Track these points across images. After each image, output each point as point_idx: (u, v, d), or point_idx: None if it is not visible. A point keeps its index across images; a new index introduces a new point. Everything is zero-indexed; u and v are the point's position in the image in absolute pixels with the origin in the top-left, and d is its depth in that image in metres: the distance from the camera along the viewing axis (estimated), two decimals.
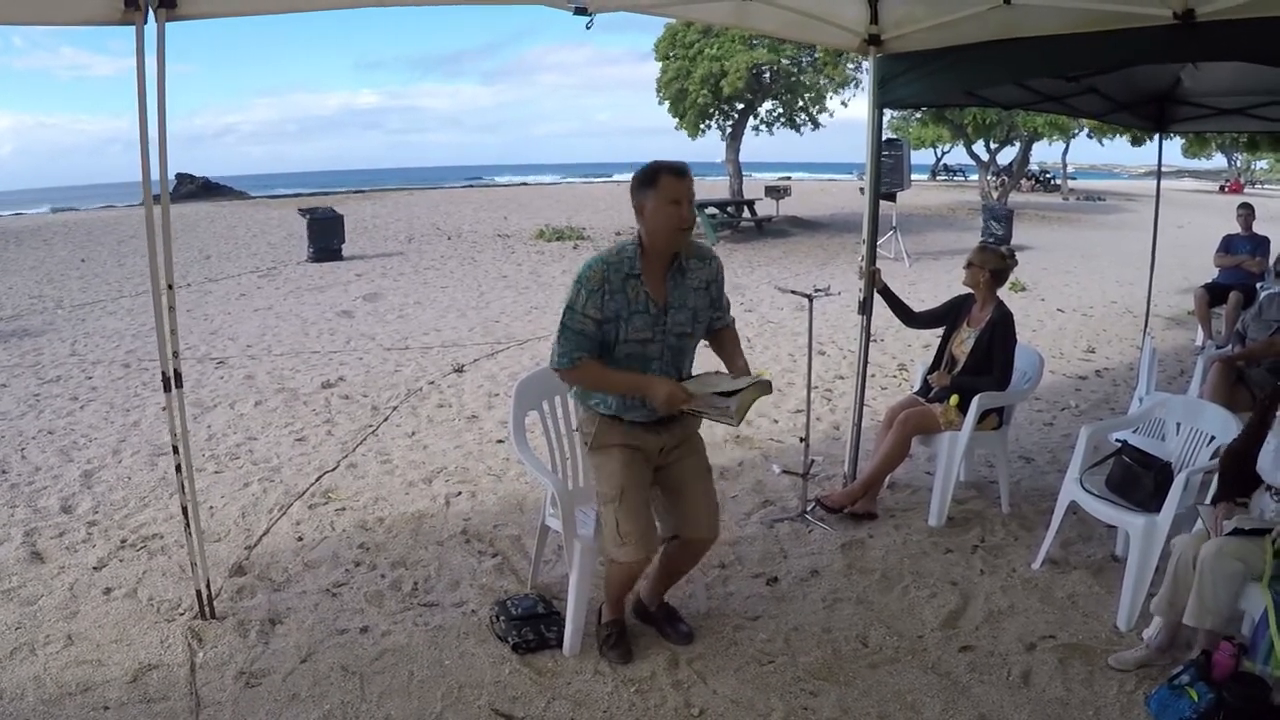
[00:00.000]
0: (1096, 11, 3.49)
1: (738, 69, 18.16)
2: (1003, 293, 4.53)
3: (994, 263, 4.44)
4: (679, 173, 2.77)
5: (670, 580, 3.34)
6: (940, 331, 4.66)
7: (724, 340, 3.10)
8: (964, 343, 4.45)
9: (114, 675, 3.04)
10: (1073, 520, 4.05)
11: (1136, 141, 15.46)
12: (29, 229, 21.36)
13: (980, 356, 4.35)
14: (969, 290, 4.52)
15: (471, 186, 44.67)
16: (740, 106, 20.21)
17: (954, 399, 4.33)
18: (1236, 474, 3.10)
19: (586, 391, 3.00)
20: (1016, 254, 15.44)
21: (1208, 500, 3.21)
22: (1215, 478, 3.34)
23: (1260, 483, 3.06)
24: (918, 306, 4.68)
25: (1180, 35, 3.31)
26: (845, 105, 20.47)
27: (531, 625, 3.27)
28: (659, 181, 2.74)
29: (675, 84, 19.44)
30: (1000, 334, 4.33)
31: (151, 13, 2.89)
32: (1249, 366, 4.97)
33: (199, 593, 3.39)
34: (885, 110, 4.96)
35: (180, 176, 36.12)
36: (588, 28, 3.67)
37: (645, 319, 2.84)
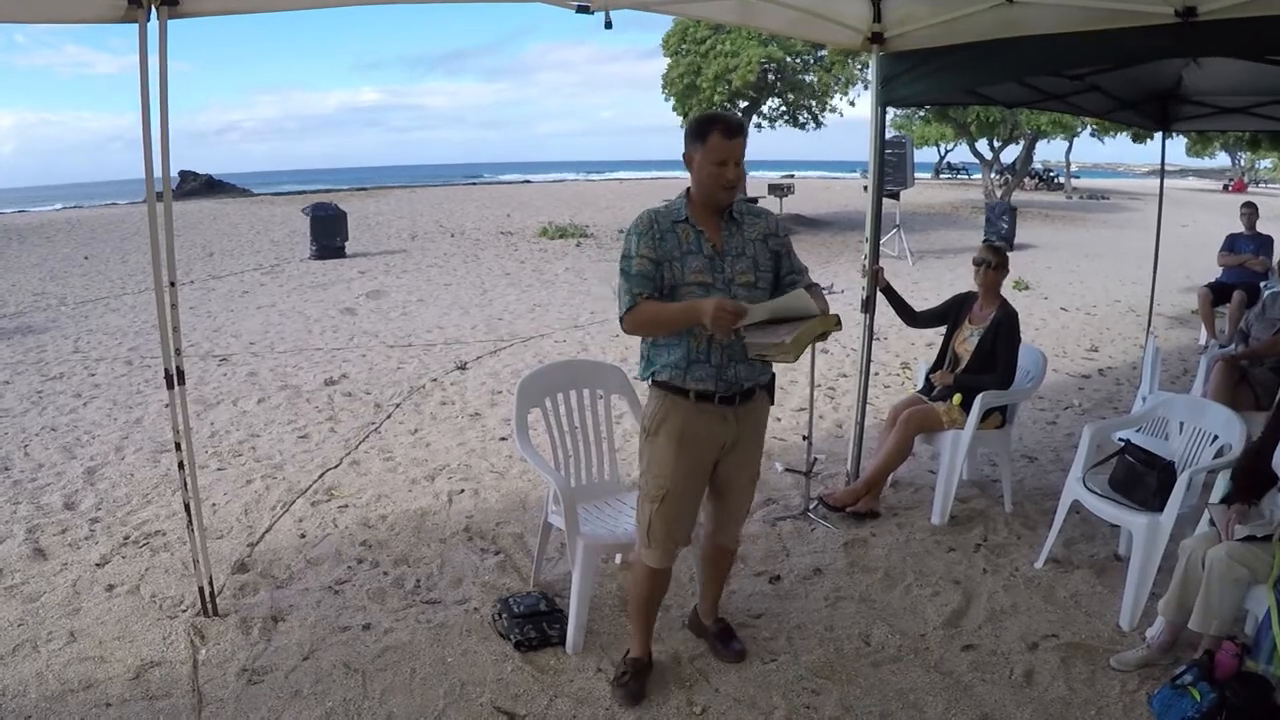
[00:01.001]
0: (1099, 9, 3.49)
1: (749, 62, 18.16)
2: (1006, 292, 4.53)
3: (1007, 260, 4.47)
4: (730, 132, 2.63)
5: (717, 587, 3.25)
6: (943, 330, 4.66)
7: (819, 302, 2.78)
8: (966, 340, 4.45)
9: (116, 672, 3.04)
10: (1075, 519, 4.05)
11: (1138, 139, 15.45)
12: (32, 226, 21.41)
13: (984, 354, 4.35)
14: (971, 288, 4.52)
15: (474, 184, 44.70)
16: (744, 104, 20.20)
17: (957, 398, 4.33)
18: (1252, 475, 3.09)
19: (649, 361, 2.80)
20: (1019, 252, 15.34)
21: (1216, 500, 3.20)
22: (1219, 477, 3.34)
23: (1274, 484, 3.05)
24: (920, 305, 4.68)
25: (1182, 33, 3.30)
26: (853, 104, 20.48)
27: (534, 623, 3.27)
28: (708, 139, 2.62)
29: (684, 80, 19.38)
30: (1005, 332, 4.33)
31: (154, 11, 2.89)
32: (1253, 365, 4.97)
33: (201, 590, 3.39)
34: (888, 108, 4.95)
35: (184, 174, 36.18)
36: (607, 26, 3.64)
37: (702, 260, 2.69)
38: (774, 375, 2.93)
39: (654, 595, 3.01)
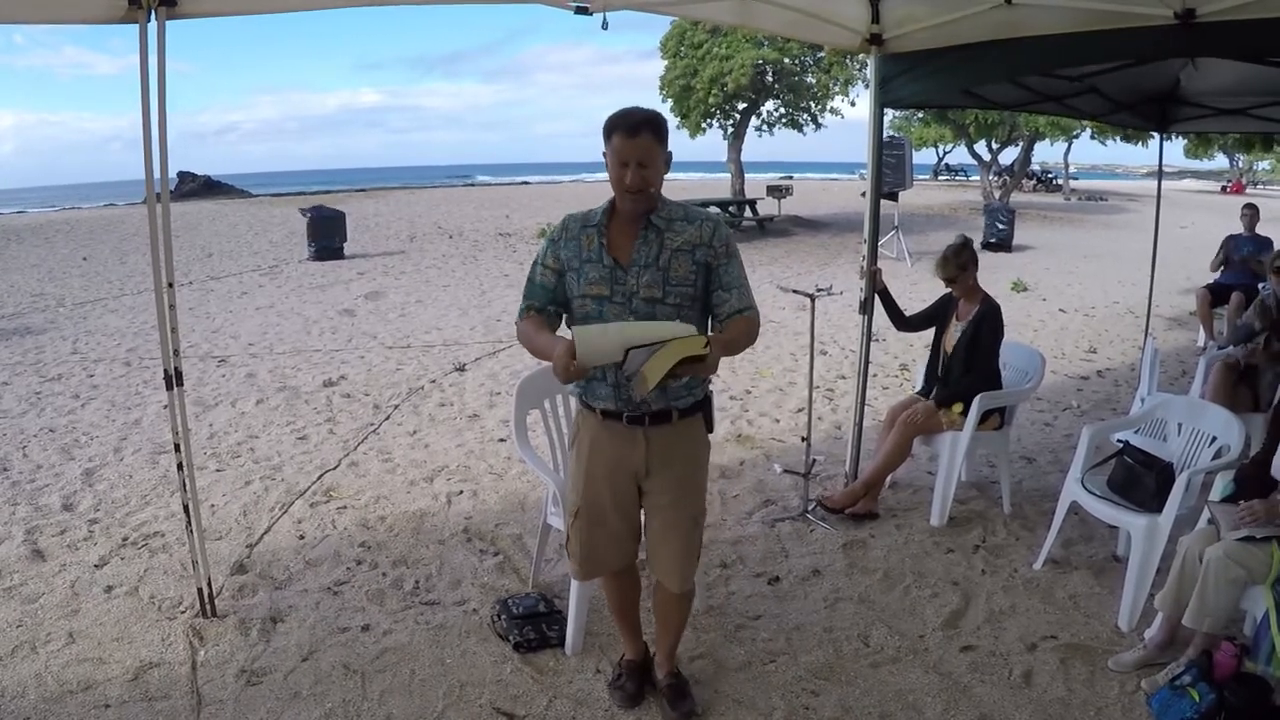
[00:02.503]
0: (1097, 11, 3.49)
1: (742, 65, 18.20)
2: (1005, 295, 4.53)
3: (968, 258, 4.41)
4: (631, 131, 2.39)
5: (668, 634, 2.91)
6: None
7: (727, 329, 2.52)
8: (953, 337, 4.46)
9: (115, 673, 3.04)
10: (1074, 520, 4.05)
11: (1130, 139, 15.44)
12: (30, 227, 21.40)
13: (969, 348, 4.35)
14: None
15: (472, 185, 44.72)
16: (743, 106, 20.22)
17: (957, 406, 4.33)
18: (1256, 481, 3.09)
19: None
20: (1018, 254, 15.21)
21: (1216, 499, 3.20)
22: (1217, 478, 3.34)
23: (1276, 487, 3.06)
24: (919, 307, 4.68)
25: (1180, 35, 3.31)
26: (854, 105, 20.51)
27: (533, 624, 3.27)
28: (611, 138, 2.42)
29: (680, 82, 19.43)
30: (988, 325, 4.33)
31: (153, 12, 2.90)
32: (1259, 371, 4.95)
33: (200, 591, 3.39)
34: (887, 110, 4.95)
35: (182, 175, 36.20)
36: (604, 27, 3.62)
37: (599, 270, 2.49)
38: (706, 398, 2.66)
39: (621, 597, 2.94)
